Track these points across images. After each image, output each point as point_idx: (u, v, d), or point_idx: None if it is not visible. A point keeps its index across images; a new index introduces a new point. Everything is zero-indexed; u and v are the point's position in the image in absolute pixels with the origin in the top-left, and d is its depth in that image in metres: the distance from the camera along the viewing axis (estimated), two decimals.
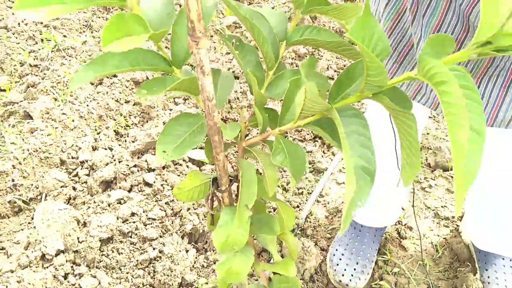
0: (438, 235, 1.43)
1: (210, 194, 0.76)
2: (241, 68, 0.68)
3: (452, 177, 1.58)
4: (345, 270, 1.28)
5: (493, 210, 1.21)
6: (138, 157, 1.59)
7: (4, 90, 1.87)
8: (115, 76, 1.92)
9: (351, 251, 1.31)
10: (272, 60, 0.65)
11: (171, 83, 0.62)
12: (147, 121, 1.80)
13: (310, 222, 1.48)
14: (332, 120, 0.53)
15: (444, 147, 1.61)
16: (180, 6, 2.40)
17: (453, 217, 1.47)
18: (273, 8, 2.28)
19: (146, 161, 1.55)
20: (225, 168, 0.72)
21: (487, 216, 1.24)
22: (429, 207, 1.50)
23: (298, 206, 1.53)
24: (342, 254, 1.31)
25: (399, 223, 1.46)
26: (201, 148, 1.66)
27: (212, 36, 2.27)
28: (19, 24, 2.21)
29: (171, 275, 1.27)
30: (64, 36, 2.16)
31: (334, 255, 1.33)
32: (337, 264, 1.30)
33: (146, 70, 0.64)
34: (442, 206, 1.50)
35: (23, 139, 1.64)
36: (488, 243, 1.28)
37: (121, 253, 1.32)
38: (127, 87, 1.91)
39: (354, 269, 1.28)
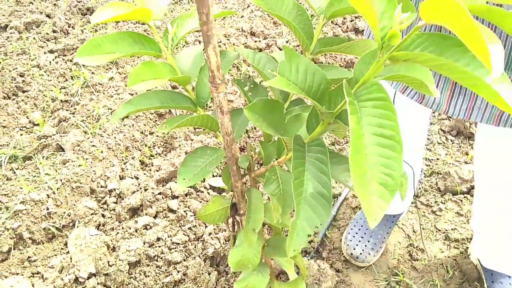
0: (449, 257, 1.49)
1: (230, 217, 0.86)
2: None
3: (461, 200, 1.64)
4: (357, 245, 1.48)
5: (501, 230, 1.27)
6: (163, 185, 1.70)
7: (38, 125, 2.01)
8: None
9: (364, 231, 1.51)
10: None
11: (191, 120, 0.73)
12: (170, 151, 1.91)
13: (325, 245, 1.55)
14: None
15: (453, 172, 1.68)
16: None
17: (463, 239, 1.53)
18: (287, 42, 2.40)
19: (170, 188, 1.65)
20: (243, 194, 0.82)
21: (495, 236, 1.30)
22: (439, 230, 1.57)
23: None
24: (356, 233, 1.51)
25: (411, 246, 1.52)
26: (219, 176, 1.76)
27: (230, 70, 2.40)
28: (50, 62, 2.37)
29: None
30: (92, 73, 2.31)
31: (349, 233, 1.53)
32: (351, 240, 1.51)
33: (174, 108, 0.75)
34: (452, 229, 1.56)
35: (56, 170, 1.77)
36: (494, 262, 1.34)
37: (148, 275, 1.41)
38: (151, 120, 2.03)
39: (365, 245, 1.47)
